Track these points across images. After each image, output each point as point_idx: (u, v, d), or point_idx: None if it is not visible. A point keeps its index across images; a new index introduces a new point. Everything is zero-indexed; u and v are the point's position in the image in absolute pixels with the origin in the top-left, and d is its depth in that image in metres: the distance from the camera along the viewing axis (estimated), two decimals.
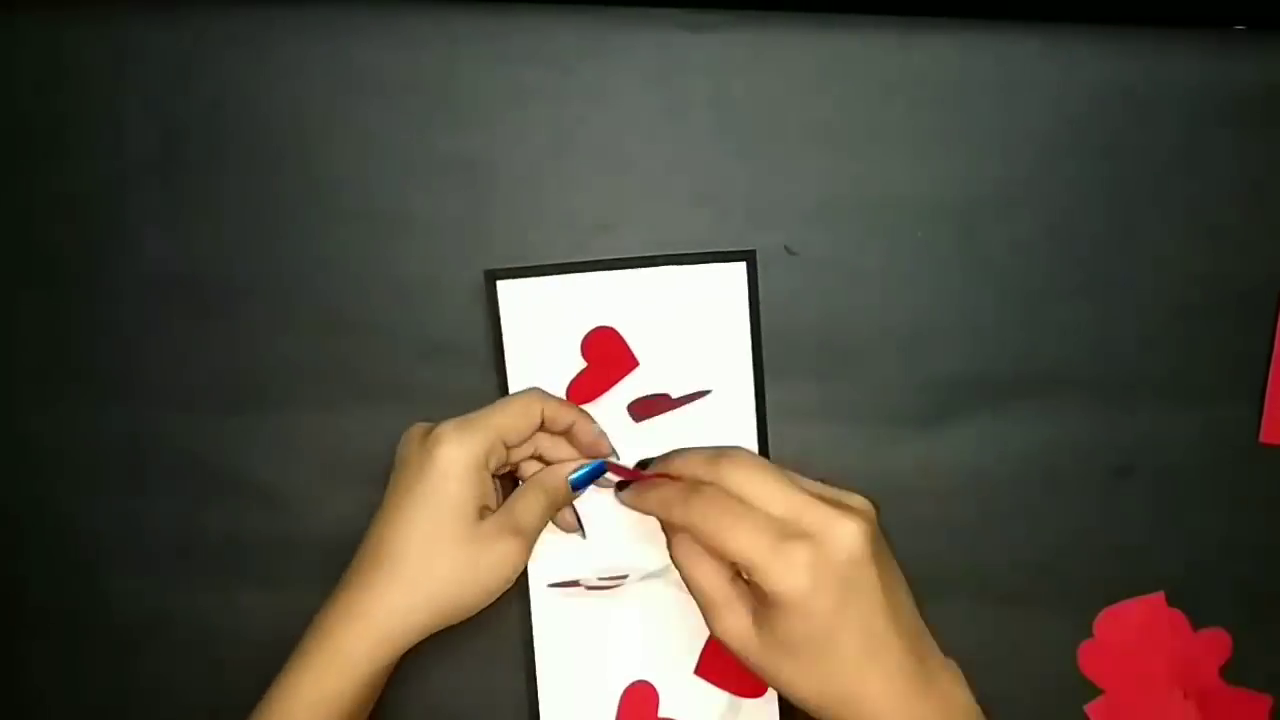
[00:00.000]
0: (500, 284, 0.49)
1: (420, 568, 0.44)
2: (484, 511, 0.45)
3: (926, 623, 0.44)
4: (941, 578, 0.50)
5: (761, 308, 0.50)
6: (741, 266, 0.50)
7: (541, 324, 0.50)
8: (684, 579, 0.44)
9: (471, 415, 0.46)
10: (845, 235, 0.50)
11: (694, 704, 0.50)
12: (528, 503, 0.46)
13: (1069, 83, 0.49)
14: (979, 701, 0.43)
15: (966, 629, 0.50)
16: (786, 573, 0.41)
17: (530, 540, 0.46)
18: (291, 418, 0.50)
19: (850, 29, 0.50)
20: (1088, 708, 0.51)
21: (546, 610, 0.50)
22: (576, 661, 0.50)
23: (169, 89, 0.49)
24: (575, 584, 0.50)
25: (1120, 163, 0.50)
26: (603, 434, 0.49)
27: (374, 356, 0.50)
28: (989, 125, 0.50)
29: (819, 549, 0.41)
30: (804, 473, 0.44)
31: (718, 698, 0.50)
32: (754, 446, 0.50)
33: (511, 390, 0.49)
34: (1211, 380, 0.51)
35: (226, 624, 0.50)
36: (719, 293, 0.50)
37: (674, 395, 0.50)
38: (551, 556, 0.50)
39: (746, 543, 0.41)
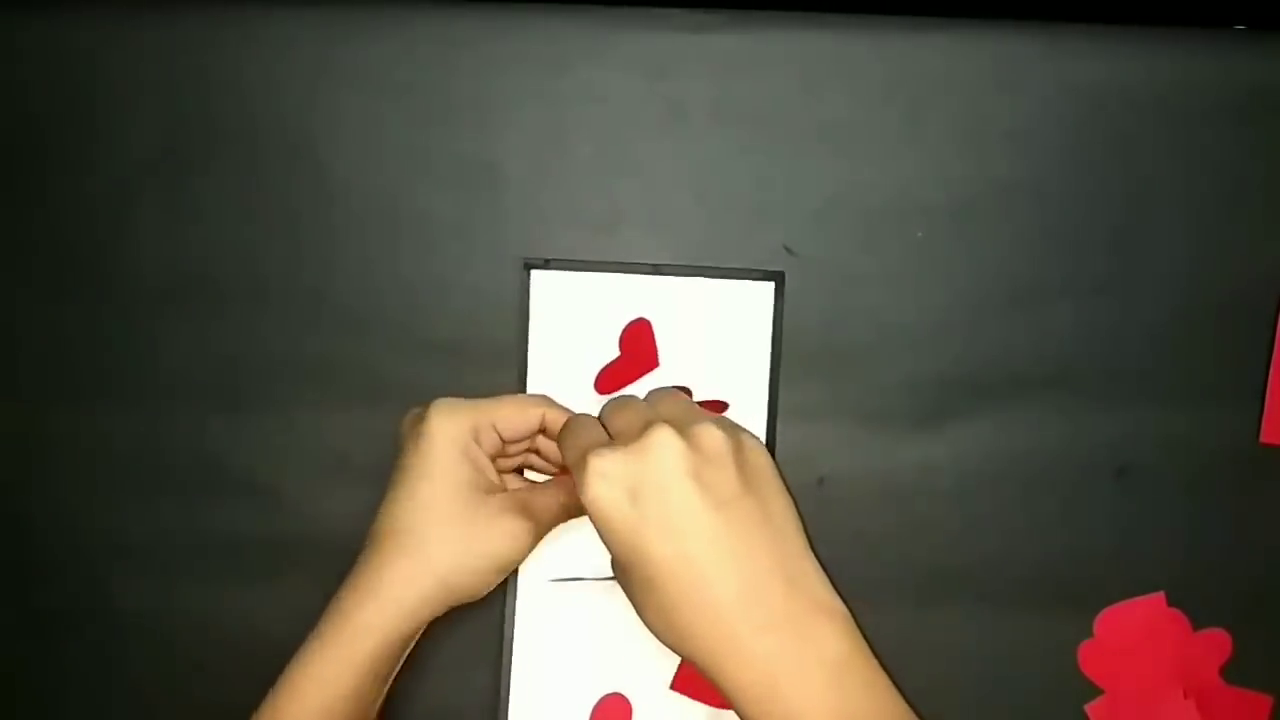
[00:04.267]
0: (534, 274, 0.50)
1: (420, 536, 0.44)
2: (493, 489, 0.46)
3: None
4: (941, 578, 0.50)
5: None
6: (769, 286, 0.50)
7: (569, 318, 0.50)
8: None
9: (469, 399, 0.46)
10: (845, 235, 0.50)
11: (669, 719, 0.50)
12: (546, 490, 0.47)
13: (1069, 83, 0.49)
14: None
15: (967, 629, 0.50)
16: (590, 481, 0.40)
17: (539, 524, 0.46)
18: (292, 418, 0.50)
19: (851, 29, 0.50)
20: (1088, 708, 0.51)
21: (528, 617, 0.50)
22: (550, 671, 0.50)
23: (169, 89, 0.50)
24: (578, 579, 0.50)
25: (1119, 162, 0.50)
26: None
27: (376, 356, 0.50)
28: (989, 125, 0.50)
29: (627, 460, 0.40)
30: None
31: (693, 714, 0.50)
32: None
33: (529, 380, 0.50)
34: (1211, 380, 0.51)
35: (226, 624, 0.50)
36: (744, 309, 0.50)
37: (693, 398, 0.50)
38: (546, 552, 0.50)
39: (570, 454, 0.42)
